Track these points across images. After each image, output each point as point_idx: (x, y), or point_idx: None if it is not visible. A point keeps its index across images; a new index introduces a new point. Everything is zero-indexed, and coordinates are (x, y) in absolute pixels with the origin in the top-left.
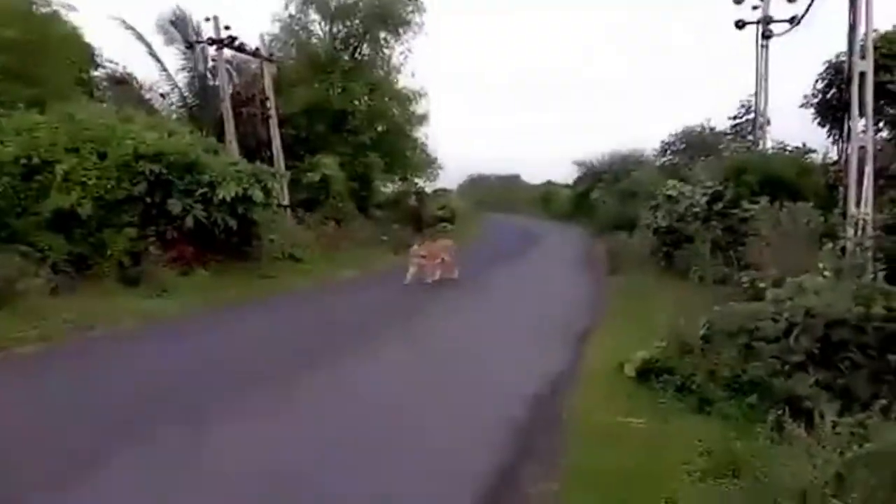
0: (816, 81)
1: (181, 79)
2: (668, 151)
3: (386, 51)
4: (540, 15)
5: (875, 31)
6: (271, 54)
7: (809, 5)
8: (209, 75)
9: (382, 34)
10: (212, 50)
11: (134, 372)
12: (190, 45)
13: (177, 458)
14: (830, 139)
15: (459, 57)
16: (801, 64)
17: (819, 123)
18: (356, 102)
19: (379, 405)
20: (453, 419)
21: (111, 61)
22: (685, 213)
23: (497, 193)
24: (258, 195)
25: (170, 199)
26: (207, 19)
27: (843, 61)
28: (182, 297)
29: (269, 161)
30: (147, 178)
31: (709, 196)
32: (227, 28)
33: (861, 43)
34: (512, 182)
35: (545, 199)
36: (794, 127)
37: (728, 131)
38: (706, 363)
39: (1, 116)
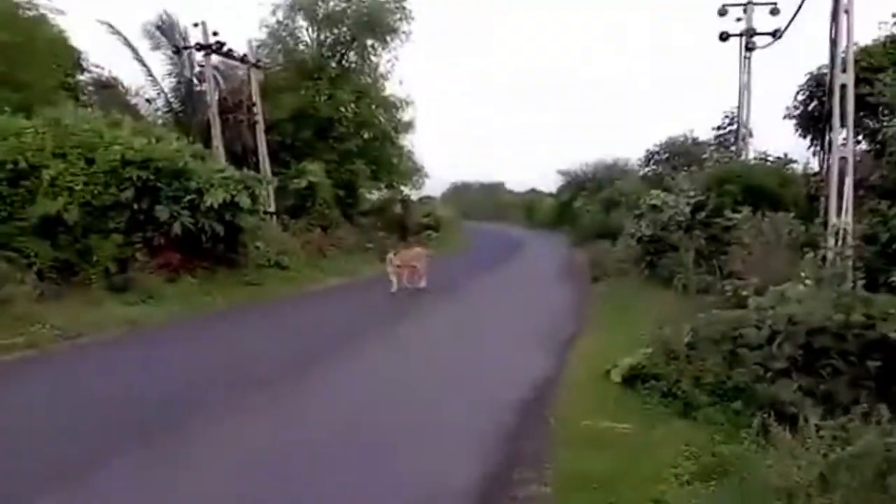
0: (798, 93)
1: (167, 84)
2: (652, 161)
3: (373, 58)
4: (519, 20)
5: (856, 44)
6: (258, 60)
7: (791, 19)
8: (195, 81)
9: (370, 41)
10: (199, 55)
11: (122, 379)
12: (177, 51)
13: (170, 460)
14: (811, 150)
15: (439, 61)
16: (783, 76)
17: (800, 135)
18: (343, 109)
19: (364, 410)
20: (440, 425)
21: (97, 65)
22: (669, 223)
23: (480, 201)
24: (245, 202)
25: (157, 205)
26: (196, 25)
27: (824, 74)
28: (169, 303)
29: (256, 167)
30: (134, 184)
31: (692, 206)
32: (215, 34)
33: (842, 56)
34: (495, 190)
35: (529, 207)
36: (776, 138)
37: (711, 142)
38: (691, 369)
39: None
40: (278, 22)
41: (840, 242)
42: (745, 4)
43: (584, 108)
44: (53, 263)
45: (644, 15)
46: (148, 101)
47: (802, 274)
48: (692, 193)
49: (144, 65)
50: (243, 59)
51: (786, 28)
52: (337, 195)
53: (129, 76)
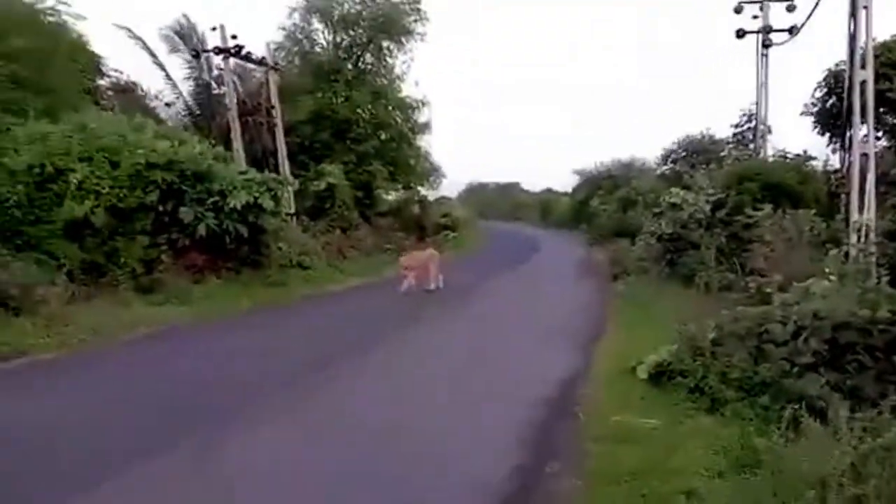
0: (816, 90)
1: (185, 88)
2: (670, 159)
3: (389, 60)
4: (531, 18)
5: (874, 39)
6: (276, 63)
7: (809, 15)
8: (213, 84)
9: (386, 43)
10: (217, 59)
11: (159, 375)
12: (196, 54)
13: (207, 459)
14: (830, 147)
15: (457, 61)
16: (799, 73)
17: (818, 132)
18: (360, 111)
19: (398, 405)
20: (472, 418)
21: (116, 70)
22: (689, 221)
23: (496, 201)
24: (268, 203)
25: (182, 207)
26: (214, 28)
27: (842, 70)
28: (196, 304)
29: (275, 169)
30: (159, 186)
31: (712, 203)
32: (233, 37)
33: (861, 52)
34: (511, 190)
35: (544, 207)
36: (793, 135)
37: (730, 139)
38: (718, 365)
39: (14, 125)
40: (294, 24)
41: (863, 239)
42: (761, 1)
43: (597, 110)
44: (82, 265)
45: (660, 14)
46: (167, 104)
47: (826, 270)
48: (711, 191)
49: (163, 69)
50: (262, 62)
51: (803, 24)
52: (355, 196)
53: (146, 80)
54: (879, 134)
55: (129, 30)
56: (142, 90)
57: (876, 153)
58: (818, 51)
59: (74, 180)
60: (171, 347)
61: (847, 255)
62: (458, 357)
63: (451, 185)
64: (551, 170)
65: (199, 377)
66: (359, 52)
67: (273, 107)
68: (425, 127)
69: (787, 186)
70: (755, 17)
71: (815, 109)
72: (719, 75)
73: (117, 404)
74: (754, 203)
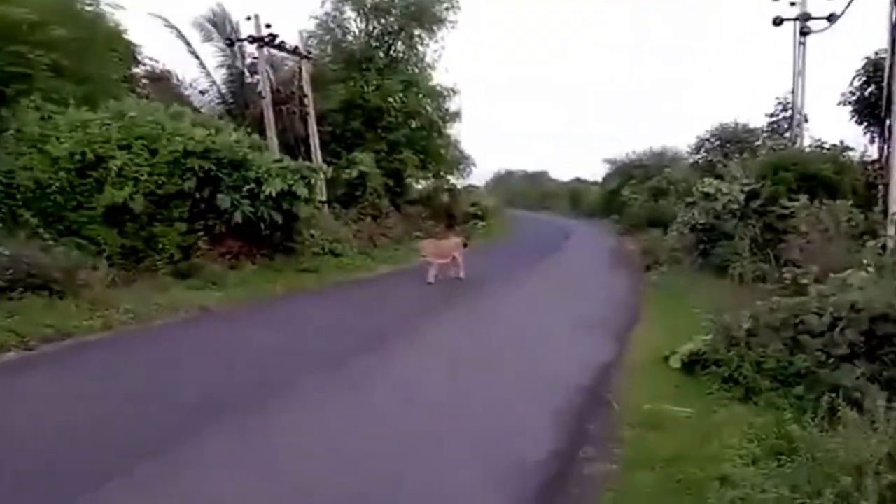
0: (854, 79)
1: (219, 76)
2: (703, 148)
3: (420, 48)
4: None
5: None
6: (309, 51)
7: (849, 3)
8: (247, 73)
9: (417, 31)
10: (251, 48)
11: (205, 356)
12: (231, 43)
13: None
14: (868, 137)
15: (488, 51)
16: (837, 61)
17: (856, 121)
18: (391, 99)
19: (434, 391)
20: (508, 404)
21: (151, 58)
22: (722, 211)
23: (524, 190)
24: (302, 191)
25: (218, 194)
26: (248, 18)
27: (881, 58)
28: (232, 289)
29: (307, 157)
30: (196, 174)
31: (746, 193)
32: (268, 26)
33: None
34: (539, 179)
35: (574, 196)
36: (830, 125)
37: (764, 128)
38: (752, 356)
39: (55, 113)
40: (327, 13)
41: None
42: None
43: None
44: (121, 250)
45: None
46: (201, 92)
47: (864, 262)
48: (746, 181)
49: (198, 57)
50: (295, 51)
51: (843, 12)
52: (386, 184)
53: (179, 69)
54: None
55: (165, 19)
56: (176, 79)
57: None
58: (857, 38)
59: (114, 167)
60: (212, 329)
61: (885, 247)
62: (493, 343)
63: (479, 173)
64: (580, 158)
65: (252, 354)
66: (390, 41)
67: (305, 95)
68: (456, 115)
69: (823, 177)
70: (793, 3)
71: (853, 99)
72: (755, 64)
73: (173, 381)
74: (790, 193)
